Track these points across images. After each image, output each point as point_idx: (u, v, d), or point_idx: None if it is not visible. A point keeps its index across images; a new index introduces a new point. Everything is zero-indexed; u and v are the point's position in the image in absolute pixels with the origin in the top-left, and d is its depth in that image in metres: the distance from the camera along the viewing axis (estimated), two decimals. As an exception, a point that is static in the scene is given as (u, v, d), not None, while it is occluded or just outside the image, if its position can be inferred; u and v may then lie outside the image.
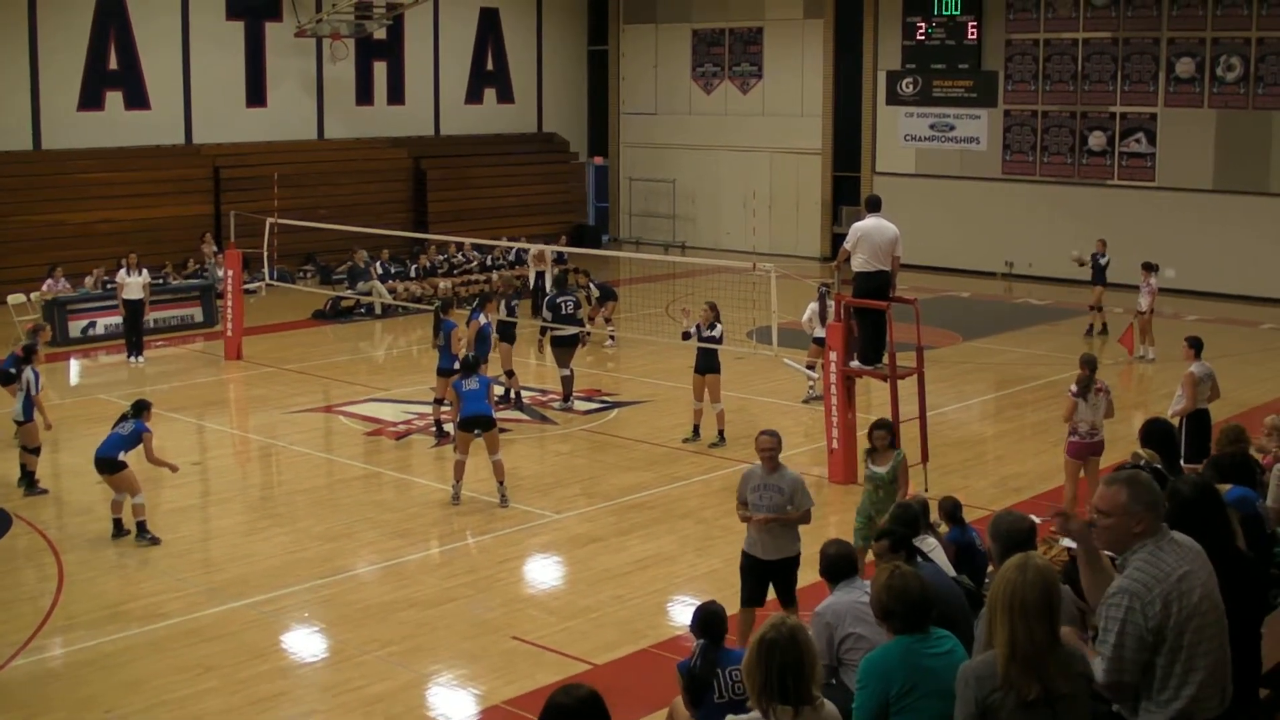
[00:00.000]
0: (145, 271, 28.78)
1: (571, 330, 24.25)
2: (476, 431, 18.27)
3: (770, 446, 13.04)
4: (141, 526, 17.13)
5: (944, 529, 12.48)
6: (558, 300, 24.78)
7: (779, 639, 6.16)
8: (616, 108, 47.76)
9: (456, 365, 20.44)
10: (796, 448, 21.00)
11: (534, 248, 33.69)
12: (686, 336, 21.59)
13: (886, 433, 14.99)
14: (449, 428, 19.13)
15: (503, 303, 25.07)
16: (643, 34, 46.72)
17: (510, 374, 23.73)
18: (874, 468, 14.94)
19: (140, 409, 17.55)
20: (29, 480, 19.08)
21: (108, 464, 17.15)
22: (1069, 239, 36.71)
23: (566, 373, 23.98)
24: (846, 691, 8.36)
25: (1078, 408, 16.69)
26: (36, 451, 19.24)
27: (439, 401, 21.76)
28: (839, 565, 9.43)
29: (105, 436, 17.37)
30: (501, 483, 18.37)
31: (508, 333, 24.08)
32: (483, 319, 22.30)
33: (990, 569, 11.18)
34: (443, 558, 16.92)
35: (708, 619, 9.58)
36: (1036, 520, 9.35)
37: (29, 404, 19.11)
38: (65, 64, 35.95)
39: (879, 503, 14.64)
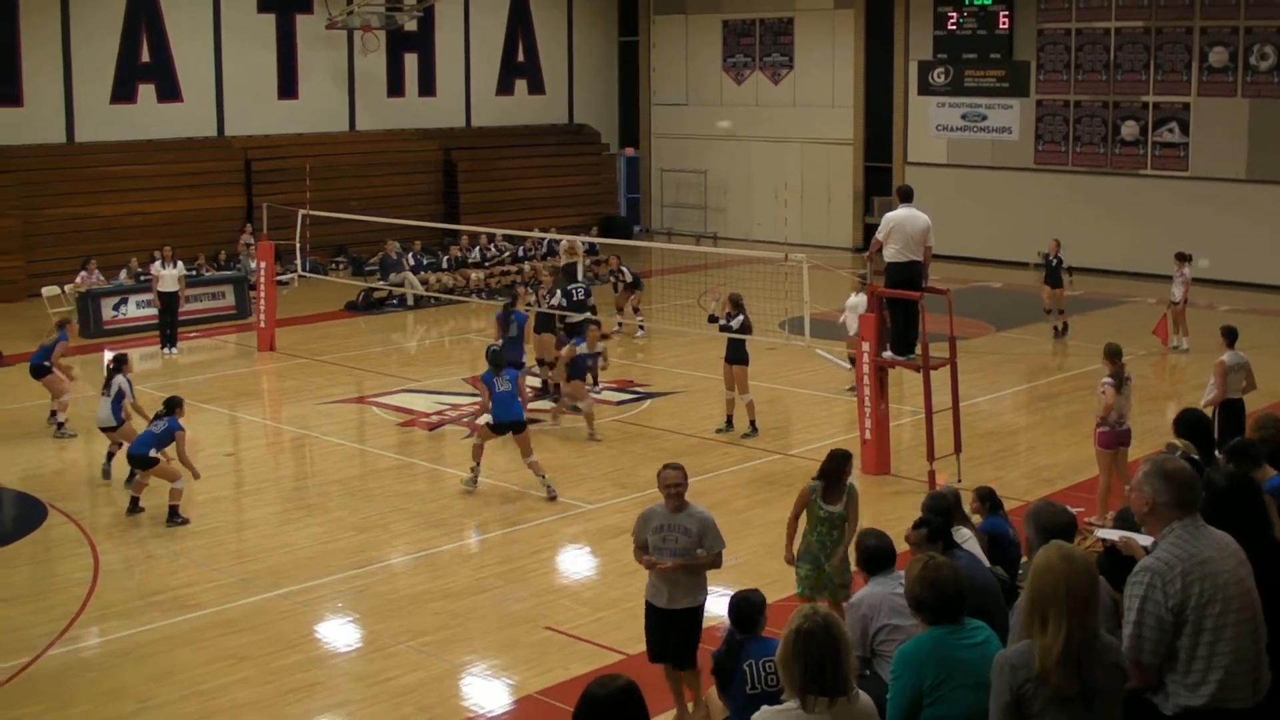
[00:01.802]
0: (180, 264, 28.93)
1: (579, 316, 24.22)
2: (510, 433, 18.42)
3: (677, 482, 11.46)
4: (174, 510, 17.34)
5: (976, 519, 12.39)
6: (569, 288, 24.88)
7: (815, 629, 6.13)
8: (647, 99, 47.72)
9: (523, 360, 21.19)
10: (831, 438, 20.99)
11: (565, 239, 33.66)
12: (713, 319, 21.56)
13: (849, 465, 13.00)
14: (485, 418, 19.06)
15: (551, 292, 25.18)
16: (673, 25, 46.66)
17: (544, 363, 23.72)
18: (827, 505, 12.80)
19: (172, 406, 17.65)
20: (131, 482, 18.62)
21: (140, 460, 17.34)
22: (1102, 229, 36.67)
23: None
24: (881, 683, 8.33)
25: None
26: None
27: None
28: (878, 556, 9.38)
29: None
30: (543, 476, 18.31)
31: (547, 323, 24.09)
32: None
33: (1024, 559, 11.14)
34: (475, 548, 16.94)
35: (740, 607, 9.54)
36: (1075, 512, 9.30)
37: (117, 408, 19.05)
38: (98, 57, 36.09)
39: (830, 545, 12.77)
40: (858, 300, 22.48)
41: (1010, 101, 39.39)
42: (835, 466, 12.82)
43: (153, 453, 17.38)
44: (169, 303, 28.40)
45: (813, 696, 6.10)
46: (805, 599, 12.28)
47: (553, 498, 18.17)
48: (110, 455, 19.33)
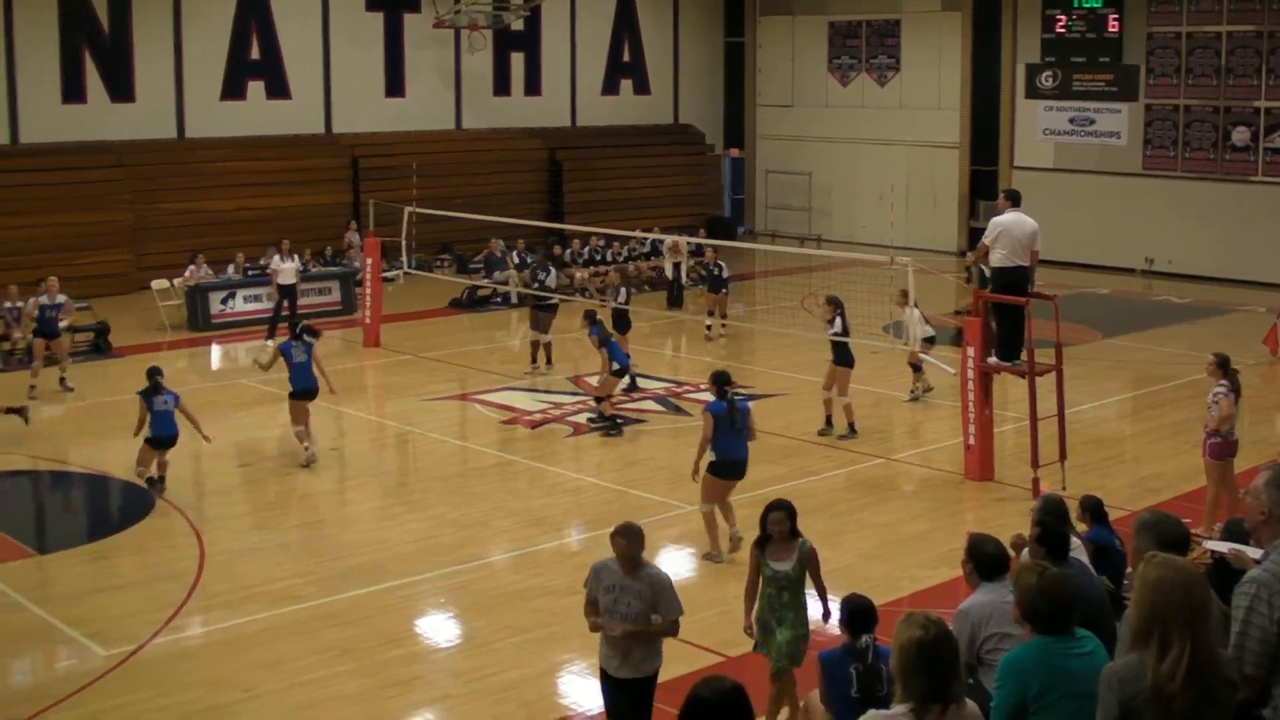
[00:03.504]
0: (297, 257, 29.51)
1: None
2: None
3: (627, 553, 10.31)
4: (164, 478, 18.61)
5: (1081, 527, 12.25)
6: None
7: (929, 637, 6.08)
8: (752, 100, 47.62)
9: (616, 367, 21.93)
10: (935, 444, 20.91)
11: (668, 239, 33.70)
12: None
13: (785, 516, 11.46)
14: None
15: (620, 291, 25.47)
16: (779, 26, 46.55)
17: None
18: (773, 564, 11.42)
19: (153, 375, 18.69)
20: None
21: (173, 440, 18.70)
22: (1210, 235, 36.23)
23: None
24: (984, 692, 8.27)
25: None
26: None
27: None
28: (994, 564, 9.26)
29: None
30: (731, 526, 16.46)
31: (622, 321, 24.57)
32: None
33: (1130, 570, 11.01)
34: (576, 547, 16.97)
35: (855, 610, 9.45)
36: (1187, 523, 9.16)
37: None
38: (208, 55, 36.54)
39: (781, 609, 11.37)
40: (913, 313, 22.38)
41: (1119, 106, 38.97)
42: (764, 520, 11.57)
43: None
44: (287, 295, 29.02)
45: (925, 703, 6.05)
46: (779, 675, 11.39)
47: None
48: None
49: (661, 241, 35.30)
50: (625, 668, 10.38)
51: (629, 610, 10.24)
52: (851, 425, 21.47)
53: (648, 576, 10.36)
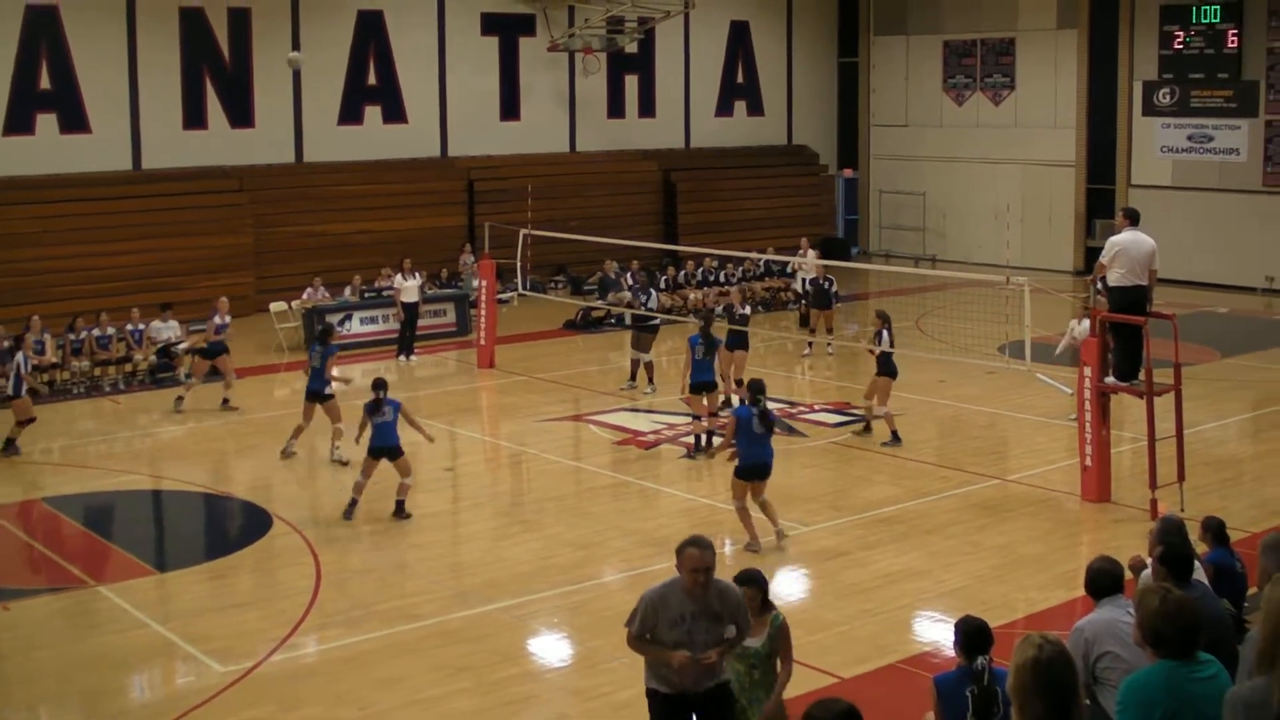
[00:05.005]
0: (418, 275, 29.98)
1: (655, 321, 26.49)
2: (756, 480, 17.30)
3: (705, 564, 9.37)
4: (400, 505, 18.48)
5: (1202, 548, 12.07)
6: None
7: (1045, 657, 5.97)
8: (866, 119, 47.47)
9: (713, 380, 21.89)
10: (1052, 464, 20.73)
11: (794, 261, 33.61)
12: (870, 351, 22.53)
13: (757, 590, 10.24)
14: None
15: (727, 311, 25.46)
16: (893, 45, 46.41)
17: (740, 383, 23.66)
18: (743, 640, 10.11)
19: (379, 386, 18.76)
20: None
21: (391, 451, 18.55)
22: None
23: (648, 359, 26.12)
24: (1101, 712, 8.19)
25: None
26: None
27: (696, 417, 22.13)
28: (1105, 581, 9.18)
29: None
30: (775, 523, 17.35)
31: (740, 341, 24.40)
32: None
33: (1252, 592, 10.86)
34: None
35: (970, 632, 9.35)
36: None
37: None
38: (326, 80, 36.98)
39: (751, 688, 10.26)
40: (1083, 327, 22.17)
41: (1238, 122, 38.45)
42: None
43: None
44: (410, 313, 29.54)
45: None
46: None
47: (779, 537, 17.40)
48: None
49: (777, 263, 35.23)
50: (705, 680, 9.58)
51: (709, 638, 9.46)
52: (894, 433, 21.92)
53: (718, 591, 9.53)
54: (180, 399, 24.96)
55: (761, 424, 17.01)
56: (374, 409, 18.56)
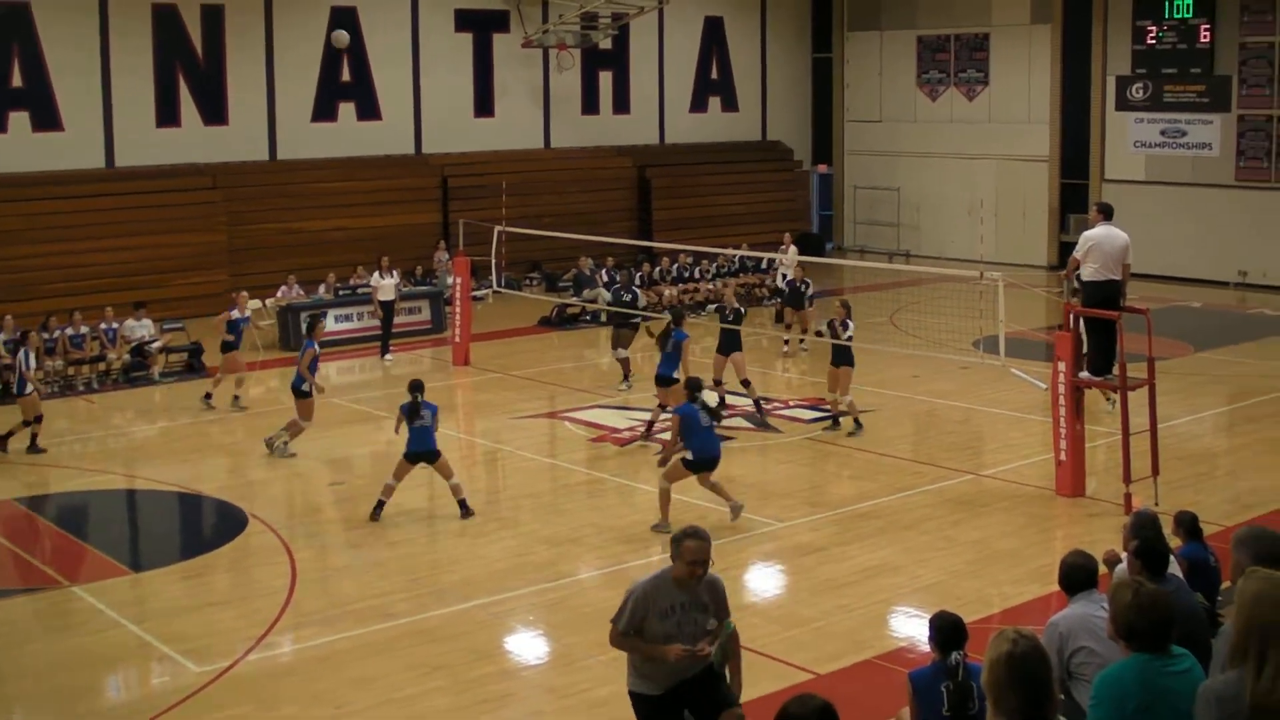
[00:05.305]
0: (395, 273, 29.97)
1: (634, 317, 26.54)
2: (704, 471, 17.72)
3: (703, 556, 9.42)
4: (463, 504, 18.49)
5: (1175, 542, 12.11)
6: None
7: (1019, 651, 5.97)
8: (840, 115, 47.52)
9: (675, 375, 21.35)
10: (1026, 459, 20.78)
11: (776, 256, 33.50)
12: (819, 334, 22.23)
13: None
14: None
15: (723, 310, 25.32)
16: (867, 41, 46.45)
17: (747, 383, 23.67)
18: None
19: (416, 388, 18.57)
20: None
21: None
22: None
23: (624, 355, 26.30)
24: (1075, 706, 8.22)
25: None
26: None
27: (663, 407, 21.94)
28: (1079, 576, 9.21)
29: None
30: (729, 500, 17.79)
31: (735, 342, 24.11)
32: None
33: (1225, 586, 10.89)
34: (665, 564, 16.92)
35: (944, 628, 9.36)
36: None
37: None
38: (300, 77, 36.95)
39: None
40: None
41: (1211, 117, 38.56)
42: None
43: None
44: (388, 311, 29.74)
45: (1019, 720, 5.95)
46: None
47: (735, 517, 17.70)
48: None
49: (752, 259, 35.21)
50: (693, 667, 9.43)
51: (697, 629, 9.40)
52: (856, 420, 22.32)
53: (707, 583, 9.51)
54: (209, 395, 25.11)
55: (709, 417, 17.67)
56: (411, 412, 18.32)
